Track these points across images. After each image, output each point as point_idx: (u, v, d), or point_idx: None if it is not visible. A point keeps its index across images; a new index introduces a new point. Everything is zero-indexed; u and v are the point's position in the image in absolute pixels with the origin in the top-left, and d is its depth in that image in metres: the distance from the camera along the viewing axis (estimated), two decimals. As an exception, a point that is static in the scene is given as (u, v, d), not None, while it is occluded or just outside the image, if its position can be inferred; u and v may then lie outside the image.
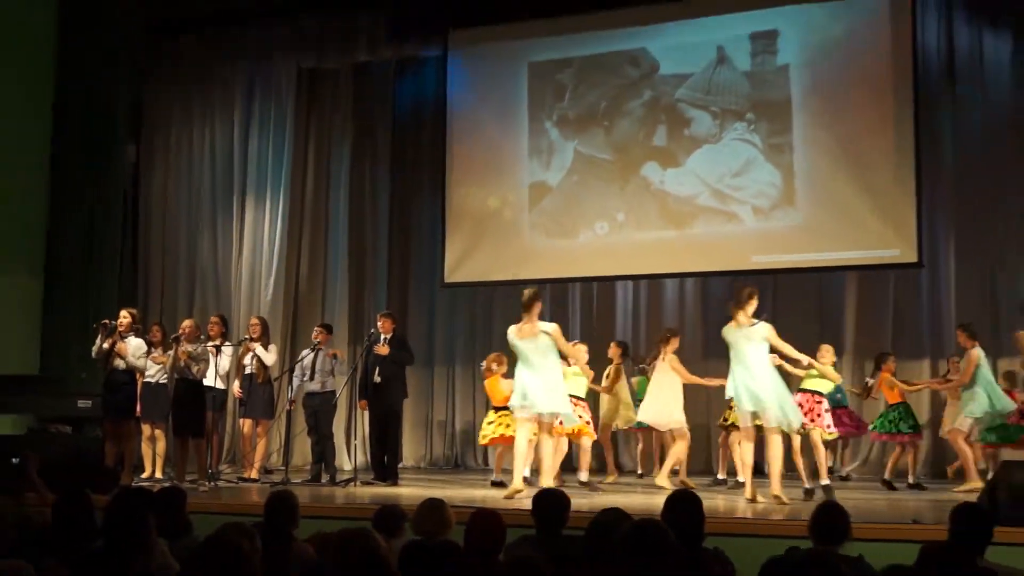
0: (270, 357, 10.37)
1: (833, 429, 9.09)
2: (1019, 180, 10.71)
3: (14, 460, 8.13)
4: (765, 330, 8.12)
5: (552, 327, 8.61)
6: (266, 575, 3.94)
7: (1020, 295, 10.55)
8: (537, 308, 8.58)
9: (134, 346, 10.01)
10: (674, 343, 9.64)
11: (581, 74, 11.24)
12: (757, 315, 8.22)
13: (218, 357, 10.05)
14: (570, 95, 11.28)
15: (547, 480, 8.29)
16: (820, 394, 8.97)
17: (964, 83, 10.92)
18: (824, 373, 8.89)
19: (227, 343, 10.25)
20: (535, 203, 11.40)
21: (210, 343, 10.01)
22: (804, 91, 10.42)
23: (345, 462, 10.57)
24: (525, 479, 8.58)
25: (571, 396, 9.00)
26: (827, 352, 9.26)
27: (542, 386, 8.47)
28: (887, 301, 11.14)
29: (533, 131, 11.43)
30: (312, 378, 10.23)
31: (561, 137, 11.32)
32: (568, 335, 10.83)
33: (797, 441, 8.82)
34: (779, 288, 11.35)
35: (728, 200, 10.59)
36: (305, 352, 10.48)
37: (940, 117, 10.88)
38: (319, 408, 10.20)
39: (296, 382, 10.41)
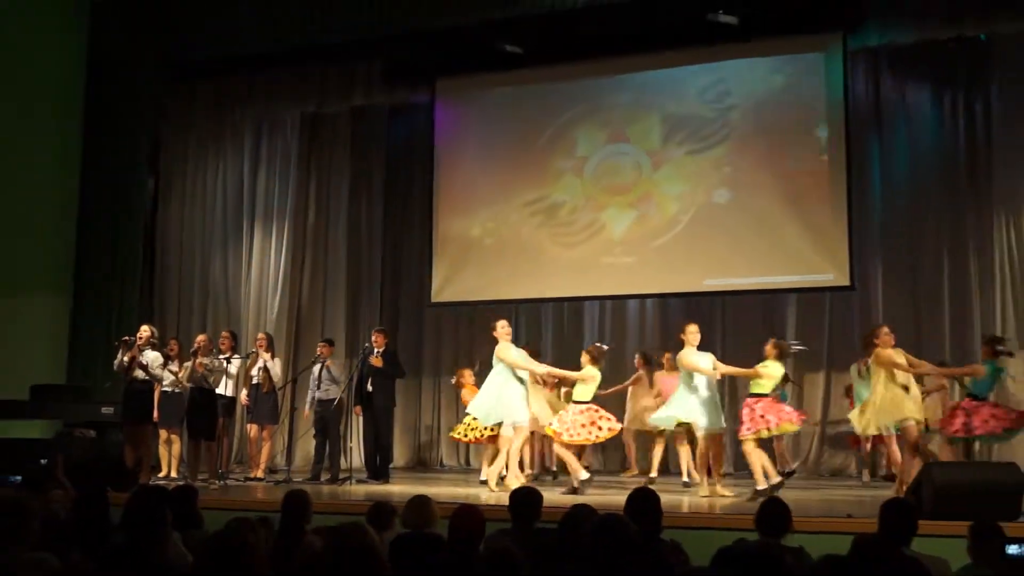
0: (277, 370, 10.33)
1: (748, 429, 8.32)
2: (938, 212, 10.80)
3: (43, 461, 8.06)
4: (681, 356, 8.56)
5: (498, 347, 8.88)
6: (277, 563, 3.91)
7: (941, 315, 10.61)
8: (496, 332, 8.91)
9: (151, 358, 9.97)
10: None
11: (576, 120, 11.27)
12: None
13: (228, 368, 10.04)
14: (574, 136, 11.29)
15: (511, 477, 8.60)
16: (760, 396, 8.43)
17: (890, 128, 11.03)
18: (760, 375, 8.47)
19: (236, 356, 10.22)
20: (514, 231, 11.40)
21: (222, 355, 9.99)
22: (747, 135, 10.49)
23: (342, 462, 10.49)
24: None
25: (576, 402, 8.93)
26: (769, 348, 8.86)
27: (479, 399, 9.00)
28: (823, 320, 11.18)
29: (521, 163, 11.42)
30: (319, 387, 10.20)
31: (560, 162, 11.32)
32: (542, 351, 10.91)
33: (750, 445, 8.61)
34: (728, 308, 11.39)
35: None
36: (312, 362, 10.44)
37: (869, 158, 10.96)
38: (325, 414, 10.15)
39: (310, 393, 10.34)
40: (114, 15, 11.97)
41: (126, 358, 9.91)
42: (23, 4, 11.44)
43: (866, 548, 3.87)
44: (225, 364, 10.00)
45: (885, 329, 8.25)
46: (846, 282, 10.11)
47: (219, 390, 10.02)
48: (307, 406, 10.38)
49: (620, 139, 11.02)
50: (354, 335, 12.48)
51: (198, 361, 9.80)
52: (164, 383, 10.00)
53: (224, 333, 10.43)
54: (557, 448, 9.05)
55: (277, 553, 3.99)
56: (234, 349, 10.26)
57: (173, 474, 10.00)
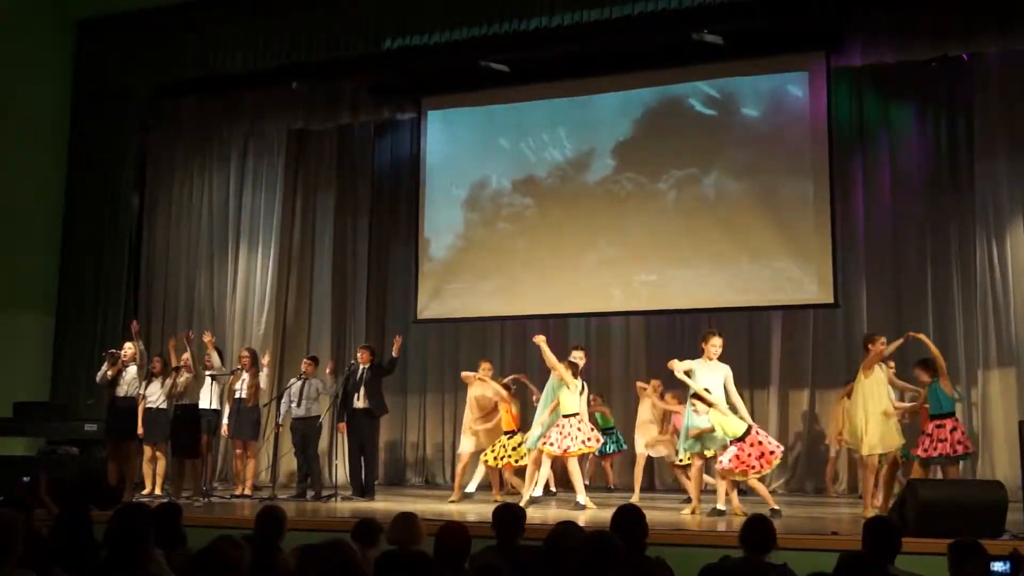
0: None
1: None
2: (921, 229, 10.87)
3: (25, 478, 8.00)
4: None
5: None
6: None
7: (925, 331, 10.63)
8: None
9: (133, 374, 9.96)
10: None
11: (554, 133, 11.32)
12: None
13: (213, 383, 10.05)
14: (548, 148, 11.32)
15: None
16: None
17: (873, 146, 11.11)
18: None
19: (222, 371, 10.23)
20: (500, 249, 11.41)
21: (207, 371, 10.01)
22: (732, 153, 10.53)
23: (327, 479, 10.46)
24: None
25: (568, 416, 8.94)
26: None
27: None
28: (808, 337, 11.20)
29: (507, 181, 11.45)
30: (299, 404, 10.18)
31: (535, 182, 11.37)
32: (528, 368, 10.95)
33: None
34: (713, 326, 11.38)
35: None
36: (292, 380, 10.44)
37: (853, 176, 11.03)
38: (306, 431, 10.13)
39: (284, 408, 10.33)
40: (99, 33, 11.97)
41: (110, 373, 9.90)
42: (7, 23, 11.43)
43: (852, 566, 3.88)
44: (209, 380, 10.03)
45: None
46: (830, 299, 10.15)
47: (202, 405, 10.02)
48: (278, 419, 10.37)
49: (606, 157, 11.06)
50: (340, 352, 12.45)
51: (178, 379, 9.84)
52: (148, 399, 9.94)
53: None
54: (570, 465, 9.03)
55: (252, 571, 3.96)
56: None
57: (157, 491, 9.94)
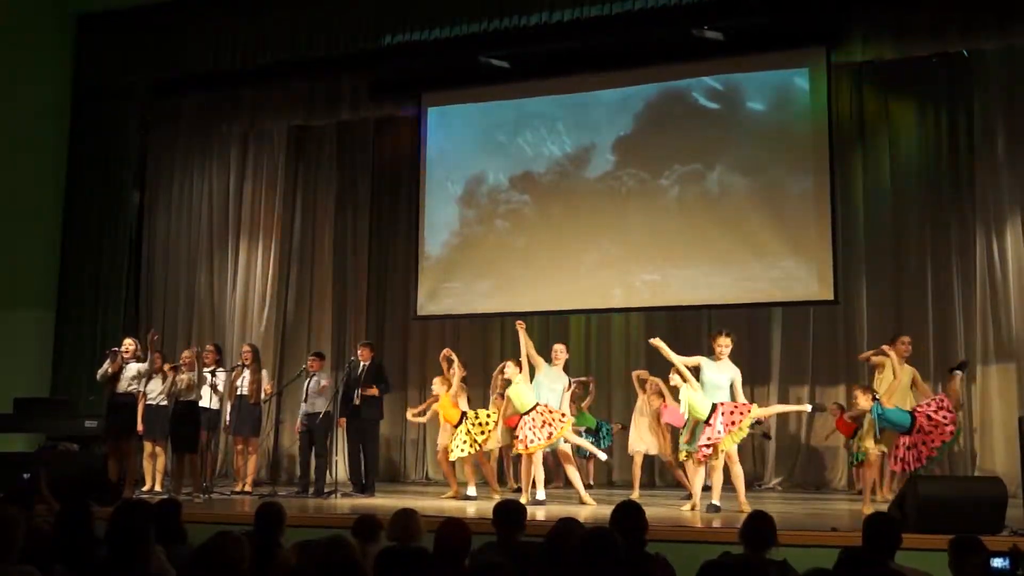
0: (267, 384, 10.31)
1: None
2: (921, 227, 10.87)
3: (25, 475, 8.01)
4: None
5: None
6: (254, 578, 3.88)
7: (925, 328, 10.63)
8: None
9: (133, 371, 9.96)
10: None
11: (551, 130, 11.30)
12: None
13: (214, 380, 10.04)
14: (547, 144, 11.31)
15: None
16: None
17: (874, 142, 11.11)
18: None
19: (221, 368, 10.21)
20: (500, 245, 11.40)
21: (206, 369, 10.01)
22: (732, 150, 10.49)
23: (327, 476, 10.46)
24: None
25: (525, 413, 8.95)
26: None
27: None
28: (808, 334, 11.21)
29: (507, 177, 11.43)
30: (305, 400, 10.17)
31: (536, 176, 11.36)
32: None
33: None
34: (713, 323, 11.38)
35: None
36: (306, 380, 10.39)
37: (853, 173, 11.03)
38: (312, 427, 10.11)
39: (303, 406, 10.30)
40: (100, 30, 11.96)
41: (110, 369, 9.90)
42: (7, 21, 11.42)
43: (852, 561, 3.89)
44: (209, 377, 10.02)
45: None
46: (830, 296, 10.12)
47: (203, 403, 10.01)
48: (299, 420, 10.34)
49: (606, 153, 11.04)
50: (340, 348, 12.45)
51: (178, 377, 9.85)
52: (149, 396, 9.95)
53: (208, 346, 10.42)
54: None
55: (252, 567, 3.96)
56: (219, 362, 10.26)
57: (157, 487, 9.94)
